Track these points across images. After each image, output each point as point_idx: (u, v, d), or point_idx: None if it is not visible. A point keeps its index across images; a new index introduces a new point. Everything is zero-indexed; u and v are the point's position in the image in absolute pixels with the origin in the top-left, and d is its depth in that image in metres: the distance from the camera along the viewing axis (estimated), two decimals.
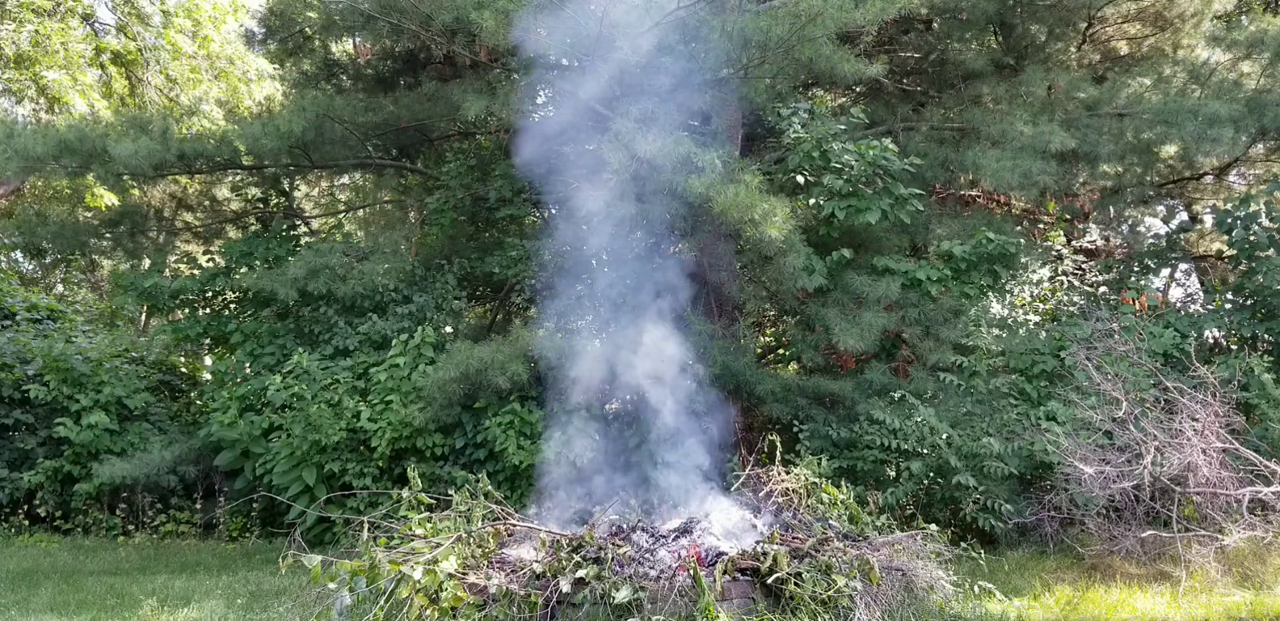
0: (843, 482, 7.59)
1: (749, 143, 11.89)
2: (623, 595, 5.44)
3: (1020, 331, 9.95)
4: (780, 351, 12.24)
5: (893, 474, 8.81)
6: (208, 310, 11.77)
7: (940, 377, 9.17)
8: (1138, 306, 10.25)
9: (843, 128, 9.71)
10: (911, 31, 12.51)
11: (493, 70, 10.22)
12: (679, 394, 9.39)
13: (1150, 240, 12.98)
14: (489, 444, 9.18)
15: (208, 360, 13.51)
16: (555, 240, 10.27)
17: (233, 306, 11.84)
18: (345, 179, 15.40)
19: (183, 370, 13.42)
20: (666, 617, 5.40)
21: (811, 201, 9.53)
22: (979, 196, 12.39)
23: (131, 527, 10.49)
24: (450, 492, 6.90)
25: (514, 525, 6.45)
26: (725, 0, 9.92)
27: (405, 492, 6.81)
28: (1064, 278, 10.98)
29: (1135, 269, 11.20)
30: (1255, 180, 13.05)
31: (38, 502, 10.66)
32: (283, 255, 11.38)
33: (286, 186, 12.86)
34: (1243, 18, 13.13)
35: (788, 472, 7.26)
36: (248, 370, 10.89)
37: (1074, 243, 12.03)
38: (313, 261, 10.26)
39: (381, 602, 5.37)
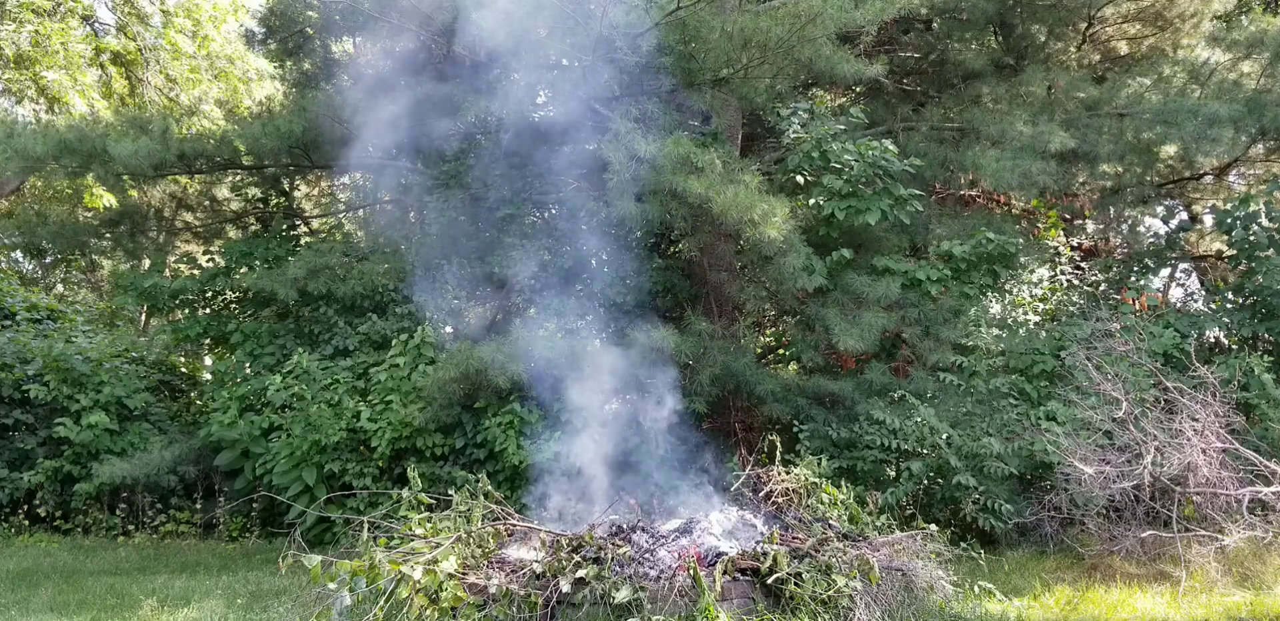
0: (843, 482, 7.58)
1: (749, 143, 11.90)
2: (623, 595, 5.44)
3: (1020, 331, 9.95)
4: (780, 351, 12.24)
5: (893, 474, 8.80)
6: (208, 310, 11.76)
7: (940, 377, 9.17)
8: (1137, 306, 10.25)
9: (842, 128, 9.71)
10: (911, 31, 12.51)
11: (493, 70, 10.21)
12: (679, 394, 9.39)
13: (1150, 240, 12.97)
14: (489, 444, 9.18)
15: (208, 360, 13.51)
16: (555, 240, 10.27)
17: (233, 306, 11.83)
18: (345, 179, 15.38)
19: (183, 370, 13.41)
20: (666, 617, 5.40)
21: (811, 201, 9.53)
22: (979, 196, 12.39)
23: (131, 527, 10.48)
24: (450, 492, 6.89)
25: (514, 525, 6.45)
26: (725, 0, 9.92)
27: (405, 492, 6.81)
28: (1063, 277, 10.98)
29: (1135, 269, 11.20)
30: (1255, 180, 13.04)
31: (38, 502, 10.66)
32: (283, 255, 11.38)
33: (286, 186, 12.85)
34: (1243, 18, 13.12)
35: (788, 472, 7.25)
36: (248, 370, 10.89)
37: (1072, 239, 12.03)
38: (313, 261, 10.26)
39: (381, 602, 5.37)
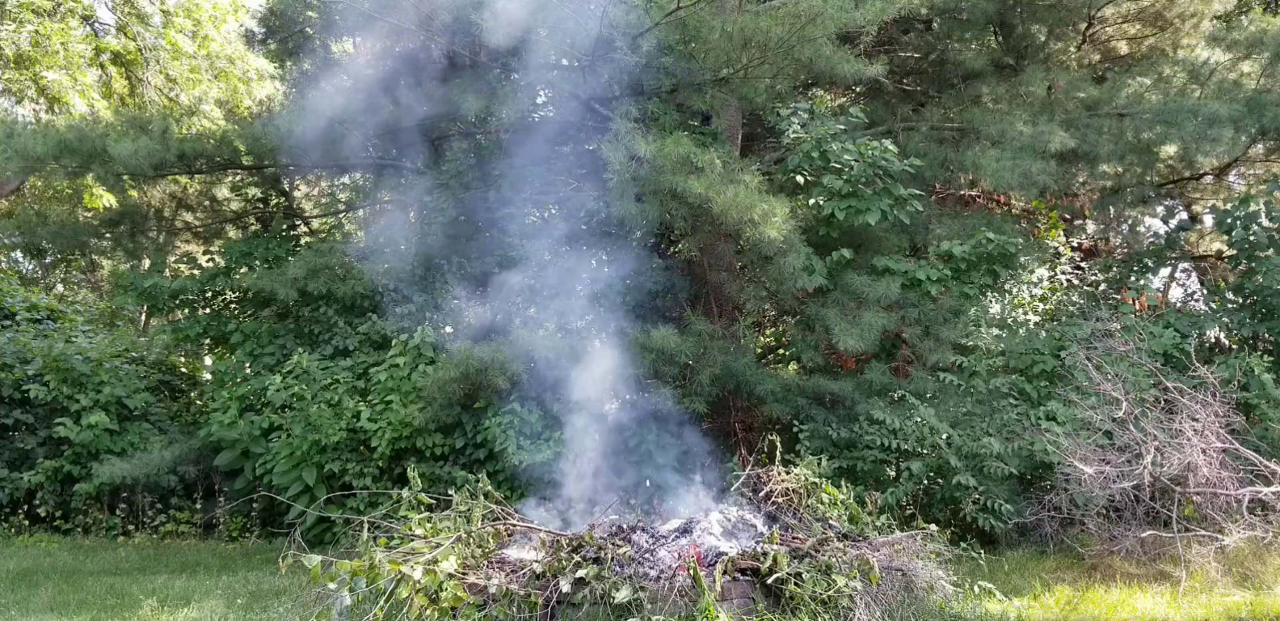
0: (843, 482, 7.58)
1: (749, 143, 11.89)
2: (623, 595, 5.44)
3: (1020, 331, 9.95)
4: (780, 351, 12.24)
5: (893, 474, 8.80)
6: (208, 310, 11.76)
7: (940, 377, 9.17)
8: (1137, 306, 10.25)
9: (842, 128, 9.71)
10: (911, 31, 12.52)
11: (493, 70, 10.21)
12: (679, 394, 9.38)
13: (1150, 240, 12.97)
14: (489, 444, 9.18)
15: (208, 360, 13.51)
16: (555, 240, 10.26)
17: (233, 306, 11.83)
18: (345, 179, 15.40)
19: (183, 370, 13.42)
20: (666, 617, 5.40)
21: (811, 201, 9.53)
22: (979, 196, 12.39)
23: (131, 527, 10.48)
24: (450, 492, 6.90)
25: (514, 525, 6.45)
26: (725, 0, 9.93)
27: (405, 492, 6.81)
28: (1063, 277, 10.98)
29: (1135, 269, 11.20)
30: (1255, 180, 13.05)
31: (38, 502, 10.66)
32: (283, 255, 11.38)
33: (286, 186, 12.86)
34: (1243, 18, 13.12)
35: (788, 472, 7.25)
36: (248, 370, 10.89)
37: (1072, 239, 12.03)
38: (313, 261, 10.26)
39: (381, 602, 5.37)
